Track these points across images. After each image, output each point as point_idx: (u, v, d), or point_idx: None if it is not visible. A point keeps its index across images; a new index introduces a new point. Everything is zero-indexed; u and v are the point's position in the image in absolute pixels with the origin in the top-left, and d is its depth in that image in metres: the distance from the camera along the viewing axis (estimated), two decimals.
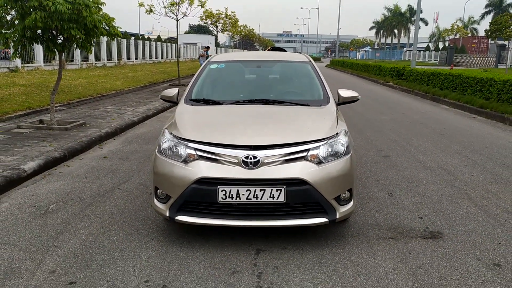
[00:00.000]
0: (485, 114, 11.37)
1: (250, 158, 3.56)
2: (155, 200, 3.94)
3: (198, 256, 3.64)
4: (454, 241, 3.93)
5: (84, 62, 24.01)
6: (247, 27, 43.57)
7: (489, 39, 53.26)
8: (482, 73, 14.45)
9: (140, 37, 41.32)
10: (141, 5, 18.05)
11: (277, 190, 3.53)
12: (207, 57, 25.85)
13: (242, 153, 3.59)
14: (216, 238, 3.95)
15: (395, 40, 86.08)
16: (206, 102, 4.62)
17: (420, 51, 61.92)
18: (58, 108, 11.09)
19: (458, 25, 58.19)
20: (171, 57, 44.40)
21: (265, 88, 5.02)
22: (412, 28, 79.77)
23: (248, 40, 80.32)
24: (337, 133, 3.94)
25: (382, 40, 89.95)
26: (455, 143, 8.14)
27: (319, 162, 3.67)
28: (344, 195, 3.78)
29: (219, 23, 29.13)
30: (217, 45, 51.88)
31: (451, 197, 5.11)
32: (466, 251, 3.72)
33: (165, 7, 18.37)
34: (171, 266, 3.47)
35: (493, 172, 6.17)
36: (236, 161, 3.58)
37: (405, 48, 75.35)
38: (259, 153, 3.58)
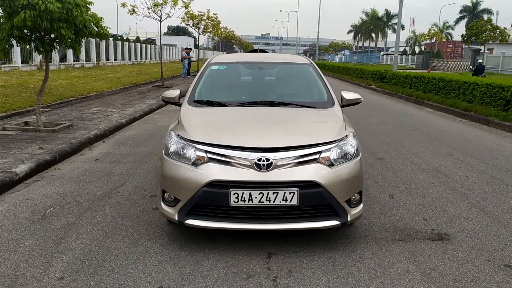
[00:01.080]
0: (469, 117, 11.60)
1: (263, 161, 3.51)
2: (162, 203, 3.85)
3: (210, 261, 3.56)
4: (462, 242, 3.96)
5: (62, 63, 23.50)
6: (227, 29, 43.44)
7: (464, 44, 54.60)
8: (465, 76, 14.76)
9: (119, 38, 40.77)
10: (123, 5, 17.78)
11: (290, 193, 3.49)
12: (189, 59, 25.72)
13: (255, 156, 3.53)
14: (225, 242, 3.88)
15: (372, 44, 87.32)
16: (210, 103, 4.55)
17: (397, 55, 62.88)
18: (41, 109, 10.79)
19: (435, 29, 59.41)
20: (151, 59, 43.94)
21: (268, 90, 4.98)
22: (389, 32, 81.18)
23: (227, 42, 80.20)
24: (347, 135, 3.93)
25: (360, 44, 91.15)
26: (445, 145, 8.26)
27: (331, 165, 3.65)
28: (354, 197, 3.77)
29: (201, 25, 28.93)
30: (196, 46, 51.62)
31: (451, 198, 5.16)
32: (476, 253, 3.75)
33: (148, 8, 18.15)
34: (183, 271, 3.39)
35: (487, 174, 6.28)
36: (248, 163, 3.52)
37: (382, 52, 76.45)
38: (271, 156, 3.54)
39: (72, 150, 7.03)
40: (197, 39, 31.80)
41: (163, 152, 3.91)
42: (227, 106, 4.48)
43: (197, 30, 28.98)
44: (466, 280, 3.31)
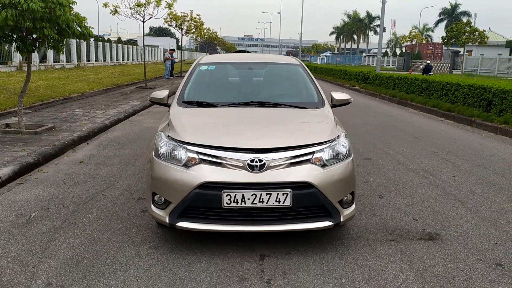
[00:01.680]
0: (452, 117, 11.75)
1: (256, 162, 3.47)
2: (152, 206, 3.78)
3: (202, 264, 3.50)
4: (453, 242, 3.98)
5: (42, 64, 23.11)
6: (210, 30, 43.28)
7: (443, 46, 55.41)
8: (447, 78, 14.96)
9: (100, 38, 40.29)
10: (105, 5, 17.54)
11: (283, 194, 3.46)
12: (172, 61, 25.51)
13: (247, 157, 3.49)
14: (216, 244, 3.83)
15: (354, 46, 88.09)
16: (200, 104, 4.49)
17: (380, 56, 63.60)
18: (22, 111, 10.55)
19: (416, 31, 60.20)
20: (133, 60, 43.55)
21: (258, 90, 4.94)
22: (371, 34, 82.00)
23: (210, 43, 79.97)
24: (338, 136, 3.92)
25: (342, 45, 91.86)
26: (430, 145, 8.34)
27: (323, 165, 3.63)
28: (346, 198, 3.76)
29: (184, 26, 28.72)
30: (178, 48, 51.37)
31: (439, 198, 5.20)
32: (467, 252, 3.78)
33: (131, 8, 17.94)
34: (175, 275, 3.32)
35: (472, 173, 6.35)
36: (241, 164, 3.48)
37: (364, 54, 77.22)
38: (264, 156, 3.50)
39: (55, 152, 6.88)
40: (180, 40, 31.53)
41: (153, 153, 3.83)
42: (217, 106, 4.43)
43: (180, 31, 28.74)
44: (459, 280, 3.32)
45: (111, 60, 35.93)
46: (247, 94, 4.81)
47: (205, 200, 3.49)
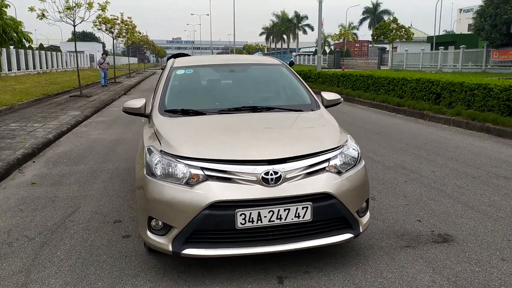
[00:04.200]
0: (403, 111, 11.98)
1: (271, 174, 3.09)
2: (148, 233, 3.27)
3: None
4: (468, 242, 3.83)
5: None
6: (140, 33, 41.81)
7: (370, 43, 57.73)
8: (394, 73, 15.33)
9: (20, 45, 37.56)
10: (31, 9, 16.16)
11: (303, 208, 3.10)
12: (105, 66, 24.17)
13: (261, 169, 3.10)
14: (224, 269, 3.40)
15: (284, 45, 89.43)
16: (185, 112, 4.01)
17: (309, 55, 65.09)
18: None
19: (345, 30, 62.17)
20: (57, 67, 41.16)
21: (246, 94, 4.53)
22: (300, 33, 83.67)
23: (138, 47, 77.67)
24: (346, 140, 3.64)
25: (273, 45, 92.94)
26: (396, 141, 8.34)
27: (338, 172, 3.32)
28: (362, 206, 3.48)
29: (114, 29, 27.41)
30: (105, 52, 49.20)
31: (431, 196, 5.08)
32: (487, 253, 3.63)
33: (60, 12, 16.69)
34: None
35: (449, 167, 6.35)
36: (254, 178, 3.08)
37: (293, 53, 78.59)
38: (280, 168, 3.13)
39: (0, 174, 6.03)
40: (112, 45, 30.09)
41: (144, 171, 3.33)
42: (205, 114, 3.97)
43: (111, 34, 27.42)
44: (494, 285, 3.14)
45: (34, 69, 33.64)
46: (235, 98, 4.39)
47: (216, 222, 3.05)
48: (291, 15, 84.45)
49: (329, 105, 4.53)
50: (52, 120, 11.09)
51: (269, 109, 4.12)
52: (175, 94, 4.33)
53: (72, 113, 12.53)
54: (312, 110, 4.21)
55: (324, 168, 3.27)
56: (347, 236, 3.30)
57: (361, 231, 3.38)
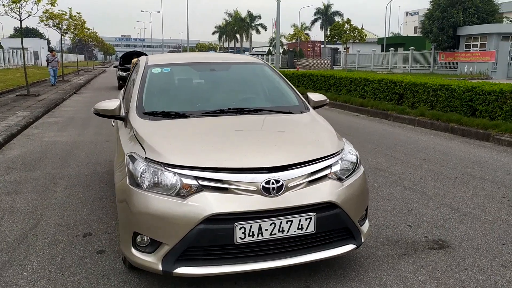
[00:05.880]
0: (367, 112, 12.03)
1: (272, 183, 2.82)
2: (133, 250, 2.92)
3: None
4: (464, 248, 3.72)
5: None
6: (89, 30, 40.16)
7: (322, 43, 58.62)
8: (355, 73, 15.41)
9: None
10: None
11: (306, 219, 2.86)
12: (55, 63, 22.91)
13: (261, 178, 2.82)
14: (215, 286, 3.10)
15: (238, 45, 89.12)
16: (167, 115, 3.65)
17: (262, 54, 65.19)
18: None
19: (299, 30, 62.72)
20: None
21: (230, 95, 4.21)
22: (253, 33, 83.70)
23: (85, 45, 74.94)
24: (344, 144, 3.44)
25: (226, 45, 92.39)
26: (366, 142, 8.28)
27: (339, 179, 3.10)
28: (362, 213, 3.28)
29: (62, 25, 26.05)
30: (50, 49, 47.03)
31: (414, 199, 4.99)
32: (486, 259, 3.52)
33: (4, 5, 15.61)
34: None
35: (424, 168, 6.33)
36: (254, 188, 2.80)
37: (246, 53, 78.50)
38: (281, 176, 2.86)
39: None
40: (60, 41, 28.64)
41: (127, 181, 2.96)
42: (189, 117, 3.63)
43: (58, 31, 26.08)
44: None
45: None
46: (219, 100, 4.08)
47: (213, 237, 2.74)
48: (244, 14, 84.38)
49: (315, 106, 4.31)
50: (0, 121, 10.26)
51: (256, 111, 3.84)
52: (153, 95, 3.96)
53: (21, 114, 11.68)
54: (301, 112, 3.97)
55: (326, 176, 3.04)
56: (350, 247, 3.09)
57: (362, 241, 3.18)
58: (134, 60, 21.36)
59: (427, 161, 6.73)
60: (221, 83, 4.39)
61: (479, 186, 5.46)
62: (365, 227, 3.28)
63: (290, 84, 4.43)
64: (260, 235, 2.79)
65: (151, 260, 2.83)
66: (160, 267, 2.79)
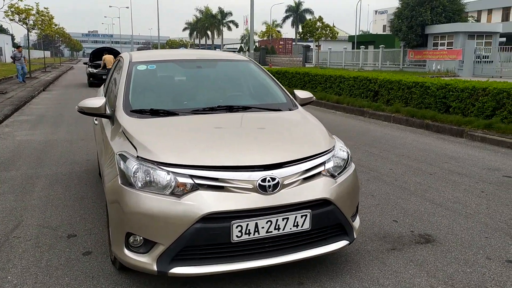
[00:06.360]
0: (343, 108, 12.17)
1: (268, 181, 2.81)
2: (126, 251, 2.86)
3: None
4: (449, 242, 3.80)
5: None
6: (56, 26, 39.12)
7: (293, 41, 58.91)
8: (332, 71, 15.56)
9: None
10: None
11: (302, 216, 2.87)
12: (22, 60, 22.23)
13: (257, 175, 2.81)
14: (210, 285, 3.07)
15: (209, 41, 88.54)
16: (155, 113, 3.58)
17: (234, 51, 64.94)
18: None
19: (270, 27, 62.84)
20: None
21: (218, 93, 4.18)
22: (225, 30, 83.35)
23: (51, 40, 72.95)
24: (335, 141, 3.47)
25: (197, 41, 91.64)
26: (344, 138, 8.20)
27: (332, 176, 3.13)
28: (354, 209, 3.32)
29: (29, 20, 25.29)
30: (14, 45, 45.65)
31: (397, 194, 5.07)
32: (471, 252, 3.61)
33: None
34: None
35: (404, 164, 6.44)
36: (250, 186, 2.79)
37: (218, 49, 78.14)
38: (277, 173, 2.86)
39: None
40: (27, 37, 27.80)
41: (119, 181, 2.90)
42: (178, 114, 3.58)
43: (25, 26, 25.30)
44: (490, 285, 3.11)
45: None
46: (206, 97, 4.04)
47: (209, 236, 2.72)
48: (215, 11, 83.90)
49: (302, 103, 4.34)
50: None
51: (246, 108, 3.82)
52: (140, 92, 3.88)
53: None
54: (290, 110, 3.98)
55: (320, 173, 3.06)
56: (343, 243, 3.13)
57: (355, 236, 3.22)
58: (106, 56, 21.07)
59: (405, 157, 6.86)
60: (208, 81, 4.35)
61: (458, 181, 5.61)
62: (356, 223, 3.32)
63: (277, 81, 4.43)
64: (256, 233, 2.78)
65: (145, 261, 2.78)
66: (155, 268, 2.74)
